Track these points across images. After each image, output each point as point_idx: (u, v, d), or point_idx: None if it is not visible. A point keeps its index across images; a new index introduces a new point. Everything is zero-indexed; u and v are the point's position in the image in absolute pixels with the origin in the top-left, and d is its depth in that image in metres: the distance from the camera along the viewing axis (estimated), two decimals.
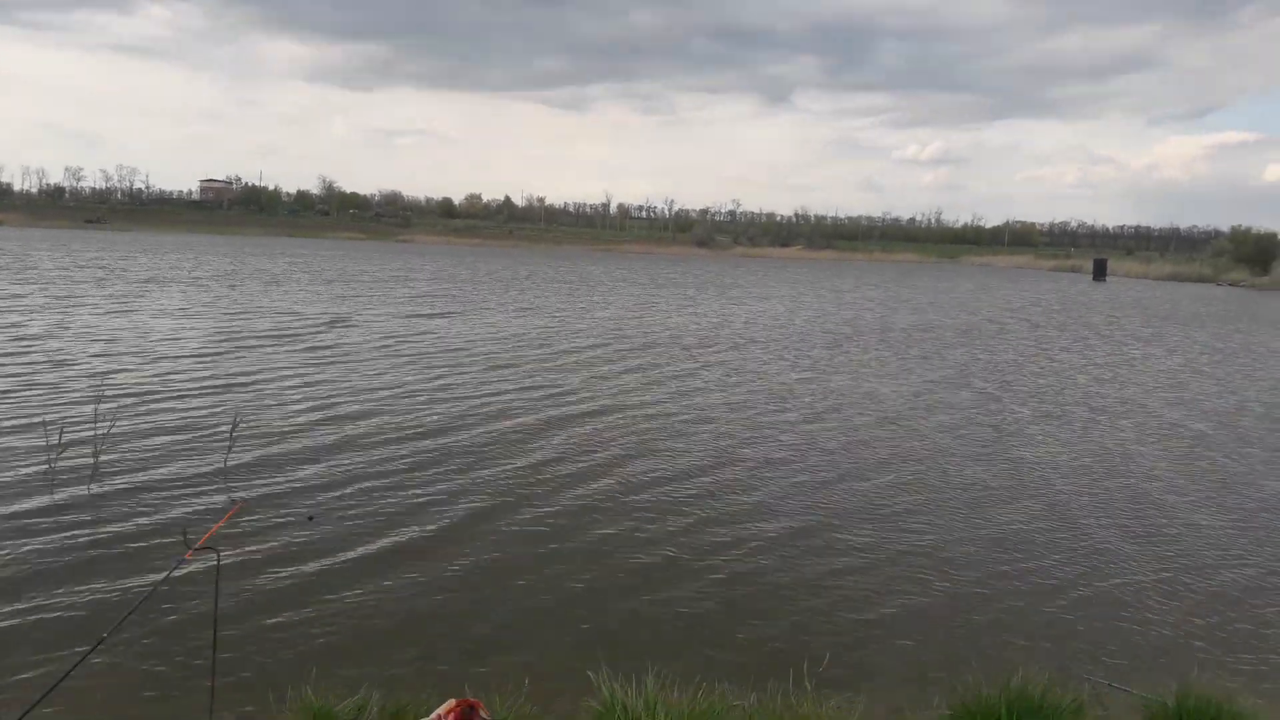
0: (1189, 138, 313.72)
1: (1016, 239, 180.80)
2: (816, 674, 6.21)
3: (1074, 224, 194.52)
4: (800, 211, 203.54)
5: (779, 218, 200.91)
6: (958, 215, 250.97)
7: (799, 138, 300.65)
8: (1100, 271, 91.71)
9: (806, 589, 7.98)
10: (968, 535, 9.55)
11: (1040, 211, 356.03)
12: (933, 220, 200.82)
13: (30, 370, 16.01)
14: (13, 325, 21.97)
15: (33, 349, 18.38)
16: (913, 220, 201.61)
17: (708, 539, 9.07)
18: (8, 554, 7.76)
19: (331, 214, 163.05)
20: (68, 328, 21.99)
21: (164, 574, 5.91)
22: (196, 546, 6.04)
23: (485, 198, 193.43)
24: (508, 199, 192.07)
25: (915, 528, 9.69)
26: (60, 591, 7.11)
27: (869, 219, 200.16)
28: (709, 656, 6.64)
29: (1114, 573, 8.69)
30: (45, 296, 29.60)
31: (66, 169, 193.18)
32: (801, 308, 40.08)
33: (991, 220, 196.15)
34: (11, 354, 17.66)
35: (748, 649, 6.86)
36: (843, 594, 7.90)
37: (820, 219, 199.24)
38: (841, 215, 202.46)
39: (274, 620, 6.83)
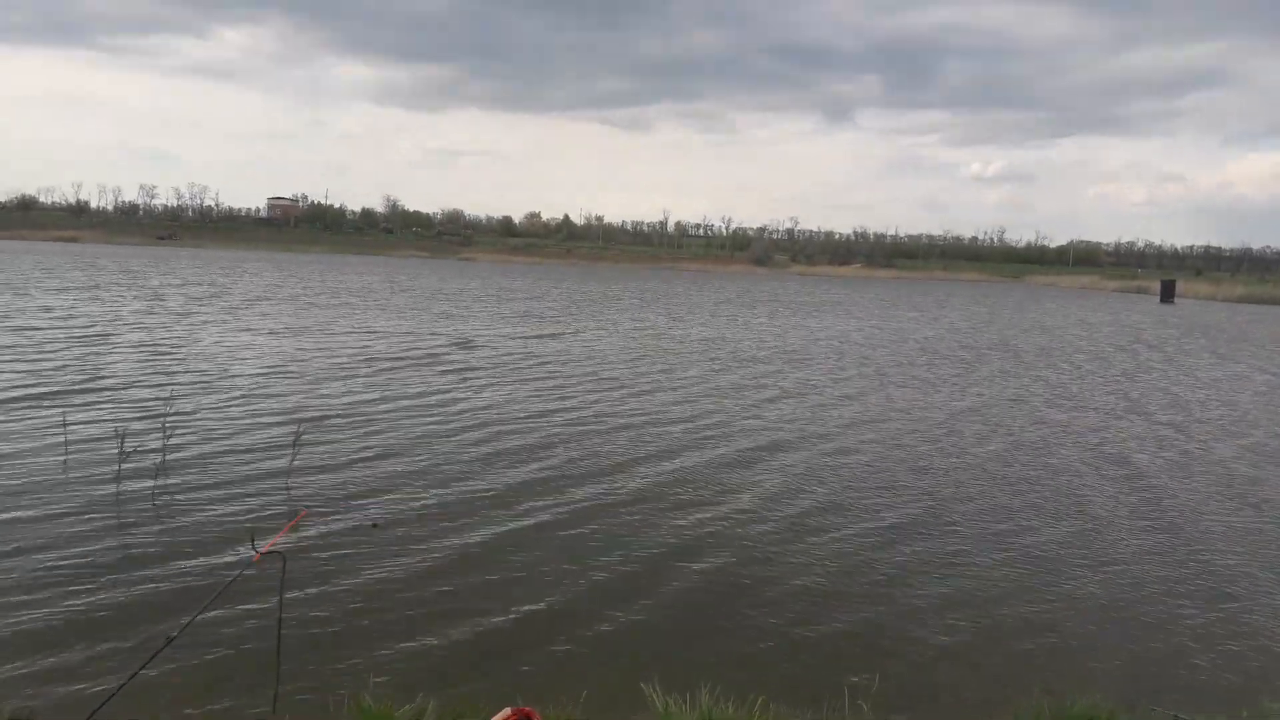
0: (1265, 155, 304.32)
1: (1081, 259, 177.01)
2: (871, 694, 6.15)
3: (1141, 244, 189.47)
4: (859, 230, 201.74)
5: (838, 236, 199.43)
6: (1021, 234, 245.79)
7: (859, 155, 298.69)
8: (1168, 293, 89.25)
9: (864, 607, 7.90)
10: (1034, 558, 9.36)
11: (1106, 231, 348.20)
12: (995, 239, 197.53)
13: (135, 371, 16.59)
14: (107, 335, 22.78)
15: (124, 357, 19.05)
16: (975, 239, 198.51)
17: (768, 554, 9.04)
18: (80, 553, 8.04)
19: (395, 232, 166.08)
20: (163, 339, 22.74)
21: (232, 576, 6.08)
22: (264, 550, 6.22)
23: (545, 216, 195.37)
24: (566, 218, 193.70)
25: (979, 548, 9.54)
26: (130, 591, 7.35)
27: (930, 237, 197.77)
28: (763, 673, 6.61)
29: (1183, 601, 8.45)
30: (139, 309, 30.66)
31: (141, 187, 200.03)
32: (911, 326, 39.72)
33: (1056, 239, 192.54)
34: (113, 360, 18.33)
35: (803, 666, 6.81)
36: (901, 614, 7.81)
37: (880, 237, 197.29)
38: (901, 234, 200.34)
39: (336, 625, 6.98)
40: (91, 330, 24.16)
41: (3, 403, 14.01)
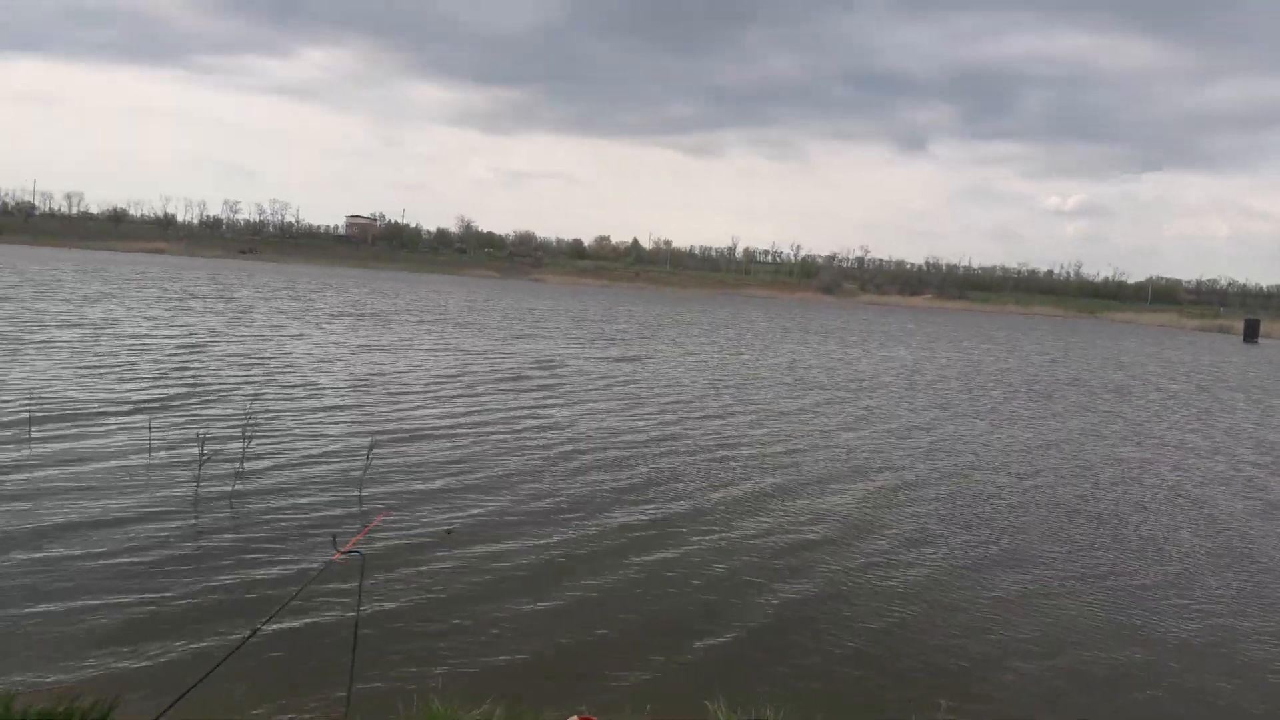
0: None
1: (1160, 296, 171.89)
2: (936, 718, 6.10)
3: (1223, 282, 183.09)
4: (931, 259, 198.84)
5: (909, 265, 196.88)
6: (1098, 269, 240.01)
7: (932, 185, 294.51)
8: (1252, 333, 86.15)
9: (936, 638, 7.81)
10: (1118, 598, 9.15)
11: (1187, 268, 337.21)
12: (1071, 273, 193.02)
13: (225, 379, 17.23)
14: (203, 345, 23.68)
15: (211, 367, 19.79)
16: (1050, 273, 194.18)
17: (841, 582, 9.00)
18: (163, 550, 8.37)
19: (468, 252, 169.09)
20: (265, 349, 23.56)
21: (315, 573, 6.31)
22: (344, 550, 6.43)
23: (614, 239, 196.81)
24: (635, 241, 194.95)
25: (1058, 584, 9.36)
26: (210, 588, 7.62)
27: (1004, 269, 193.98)
28: (830, 698, 6.59)
29: (1261, 633, 8.19)
30: (230, 320, 31.79)
31: (224, 202, 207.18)
32: (986, 359, 39.17)
33: (1134, 275, 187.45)
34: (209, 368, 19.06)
35: (870, 694, 6.77)
36: (974, 647, 7.70)
37: (952, 268, 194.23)
38: (974, 265, 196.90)
39: (408, 626, 7.15)
40: (188, 339, 25.09)
41: (99, 406, 14.63)
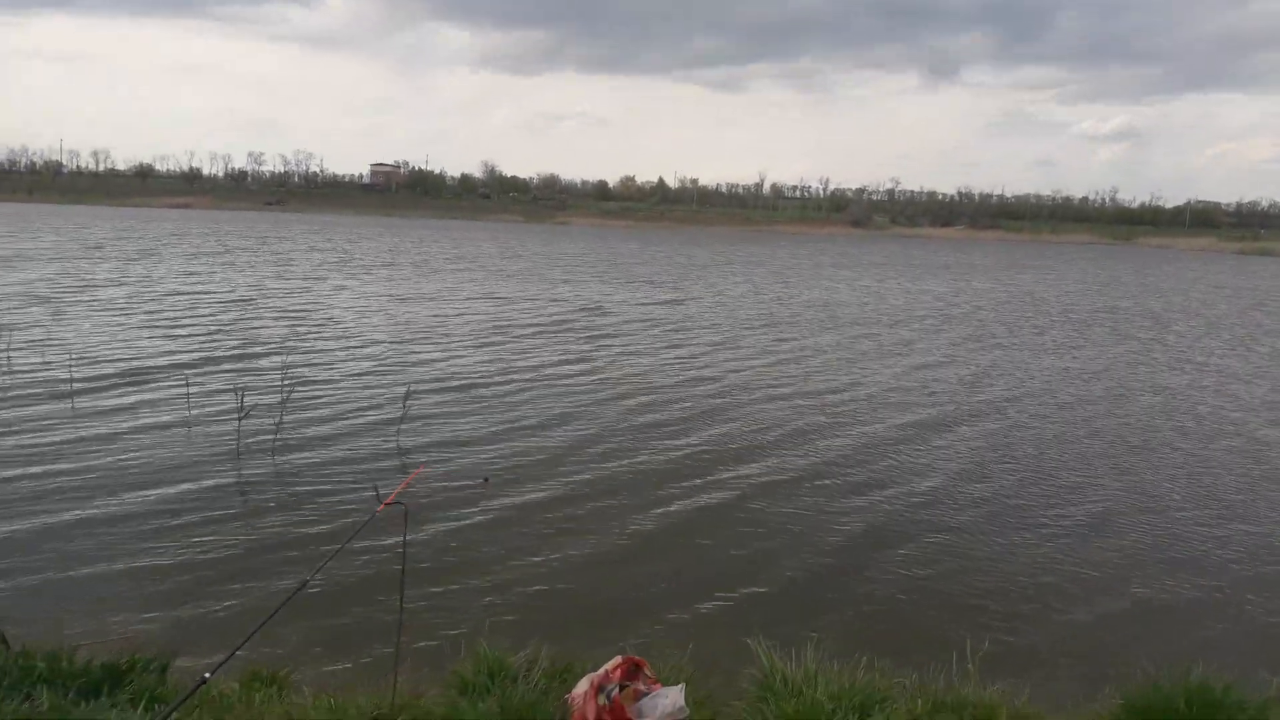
0: None
1: (1198, 219, 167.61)
2: (980, 656, 6.12)
3: (1265, 203, 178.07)
4: (964, 190, 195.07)
5: (940, 196, 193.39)
6: (1134, 194, 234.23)
7: (965, 114, 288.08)
8: None
9: (978, 576, 7.82)
10: (1150, 527, 9.11)
11: (1227, 191, 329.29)
12: (1107, 199, 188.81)
13: (277, 334, 17.43)
14: (248, 300, 23.93)
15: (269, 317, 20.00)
16: (1085, 199, 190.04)
17: (885, 515, 9.03)
18: (210, 504, 8.54)
19: (492, 197, 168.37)
20: (268, 299, 23.77)
21: (358, 527, 6.39)
22: (387, 502, 6.50)
23: (639, 179, 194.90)
24: (661, 180, 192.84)
25: (1096, 515, 9.32)
26: (259, 539, 7.78)
27: (1038, 197, 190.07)
28: (872, 636, 6.63)
29: None
30: (270, 274, 32.05)
31: (249, 154, 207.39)
32: (1038, 289, 38.69)
33: (1172, 200, 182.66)
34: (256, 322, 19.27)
35: (909, 626, 6.82)
36: (1015, 583, 7.70)
37: (985, 197, 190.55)
38: (1008, 194, 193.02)
39: (451, 574, 7.26)
40: (231, 295, 25.30)
41: (151, 364, 14.85)
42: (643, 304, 27.93)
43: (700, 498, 9.36)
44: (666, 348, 18.84)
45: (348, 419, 11.81)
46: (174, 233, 59.87)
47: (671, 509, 8.99)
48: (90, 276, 28.41)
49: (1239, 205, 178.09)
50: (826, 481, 10.11)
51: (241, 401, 11.01)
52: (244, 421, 10.74)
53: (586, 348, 18.48)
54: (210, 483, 9.10)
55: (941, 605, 7.20)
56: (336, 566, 6.96)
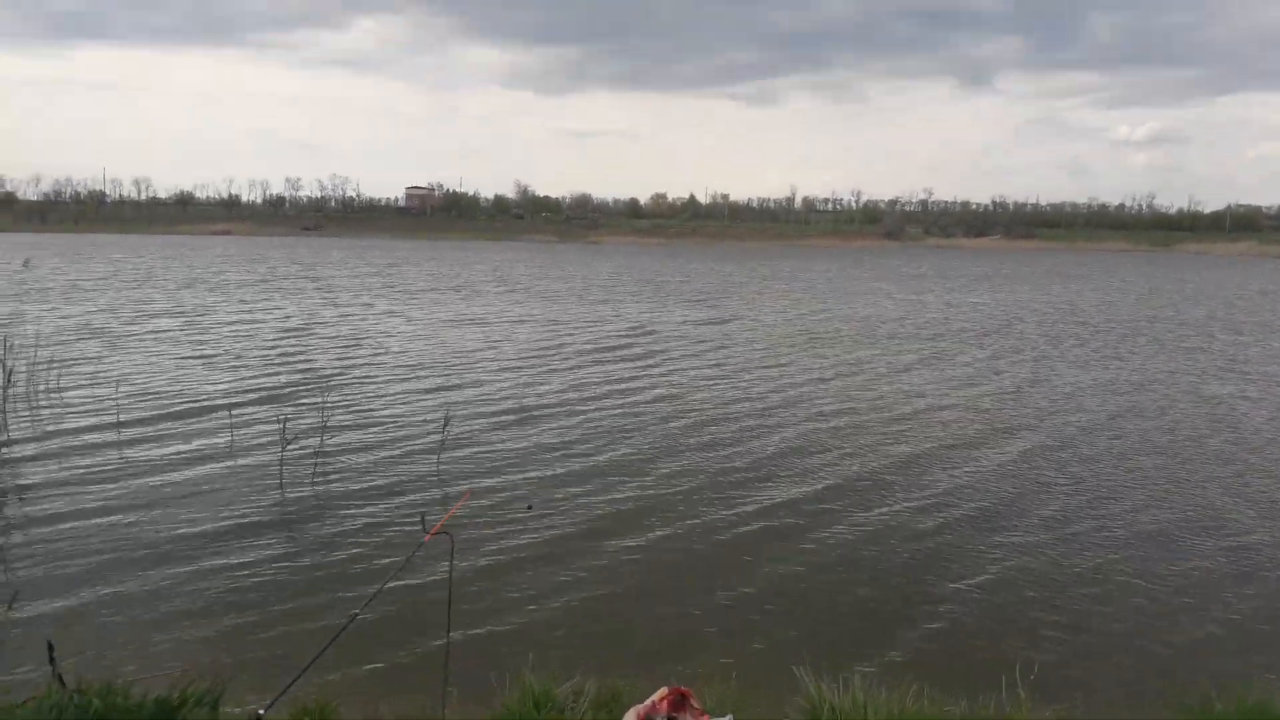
0: None
1: (1239, 224, 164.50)
2: (1029, 681, 6.03)
3: None
4: (998, 199, 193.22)
5: (974, 206, 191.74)
6: (1172, 200, 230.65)
7: (998, 122, 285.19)
8: None
9: (1022, 593, 7.72)
10: (1208, 544, 8.93)
11: (1268, 194, 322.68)
12: (1144, 206, 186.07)
13: (332, 361, 17.69)
14: (306, 328, 24.30)
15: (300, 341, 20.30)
16: (1121, 206, 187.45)
17: (927, 540, 8.93)
18: (257, 537, 8.64)
19: (525, 217, 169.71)
20: (318, 324, 24.11)
21: (404, 560, 6.44)
22: (434, 531, 6.56)
23: (670, 196, 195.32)
24: (692, 197, 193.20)
25: (1151, 533, 9.16)
26: (306, 572, 7.86)
27: (1073, 205, 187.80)
28: (918, 658, 6.57)
29: None
30: (321, 301, 32.54)
31: (286, 180, 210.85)
32: (1081, 299, 38.30)
33: (1211, 205, 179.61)
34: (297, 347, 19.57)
35: (959, 652, 6.73)
36: (1061, 600, 7.59)
37: (1019, 206, 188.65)
38: (1043, 202, 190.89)
39: (498, 603, 7.29)
40: (285, 323, 25.62)
41: (214, 398, 15.10)
42: (683, 323, 27.95)
43: (745, 524, 9.32)
44: (710, 367, 18.83)
45: (392, 446, 11.92)
46: (220, 259, 60.95)
47: (717, 536, 8.96)
48: (142, 307, 29.00)
49: None
50: (873, 506, 10.02)
51: (284, 430, 11.15)
52: (289, 450, 10.89)
53: (630, 369, 18.52)
54: (257, 515, 9.22)
55: (991, 629, 7.10)
56: (383, 597, 7.00)
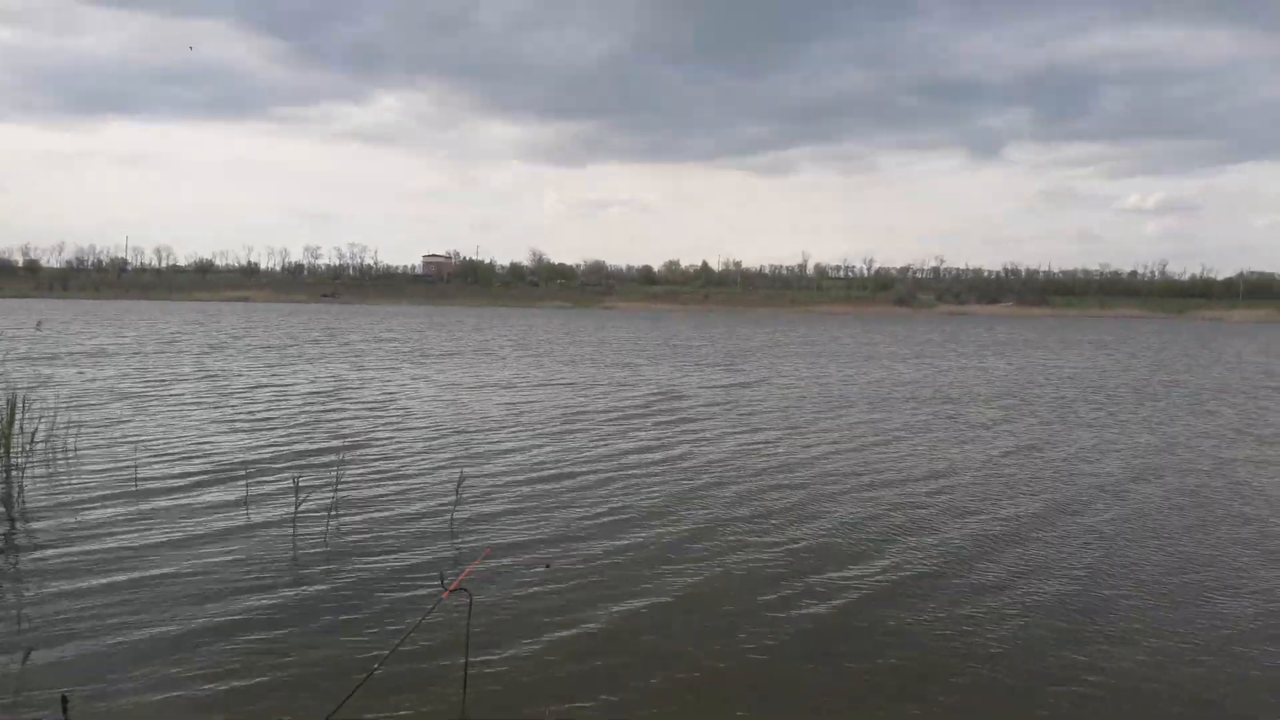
0: None
1: (1254, 291, 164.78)
2: None
3: None
4: (1010, 266, 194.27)
5: (986, 274, 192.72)
6: (1184, 267, 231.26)
7: (1008, 191, 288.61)
8: None
9: (1046, 661, 7.50)
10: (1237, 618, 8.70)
11: None
12: (1156, 273, 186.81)
13: (356, 425, 17.72)
14: (334, 392, 24.41)
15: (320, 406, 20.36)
16: (1134, 273, 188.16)
17: (945, 599, 8.72)
18: (271, 595, 8.53)
19: (540, 284, 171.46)
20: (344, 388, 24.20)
21: (422, 616, 6.35)
22: (452, 588, 6.48)
23: (684, 263, 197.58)
24: (705, 264, 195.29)
25: (1171, 593, 8.94)
26: (321, 629, 7.72)
27: (1085, 272, 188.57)
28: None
29: None
30: (348, 366, 32.71)
31: (305, 248, 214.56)
32: (1109, 364, 38.16)
33: (1224, 271, 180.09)
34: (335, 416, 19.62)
35: (985, 715, 6.53)
36: (1095, 659, 7.37)
37: (1032, 273, 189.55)
38: (1055, 270, 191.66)
39: (516, 662, 7.11)
40: (307, 388, 25.49)
41: (223, 458, 15.13)
42: (707, 387, 27.92)
43: (769, 584, 9.09)
44: (741, 432, 18.57)
45: (411, 504, 11.80)
46: (242, 325, 61.58)
47: (741, 596, 8.74)
48: (168, 370, 29.20)
49: None
50: (896, 564, 9.80)
51: (297, 487, 11.11)
52: (304, 507, 10.83)
53: (654, 433, 18.32)
54: (273, 572, 9.09)
55: (1017, 689, 6.88)
56: (398, 655, 6.87)
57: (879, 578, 9.31)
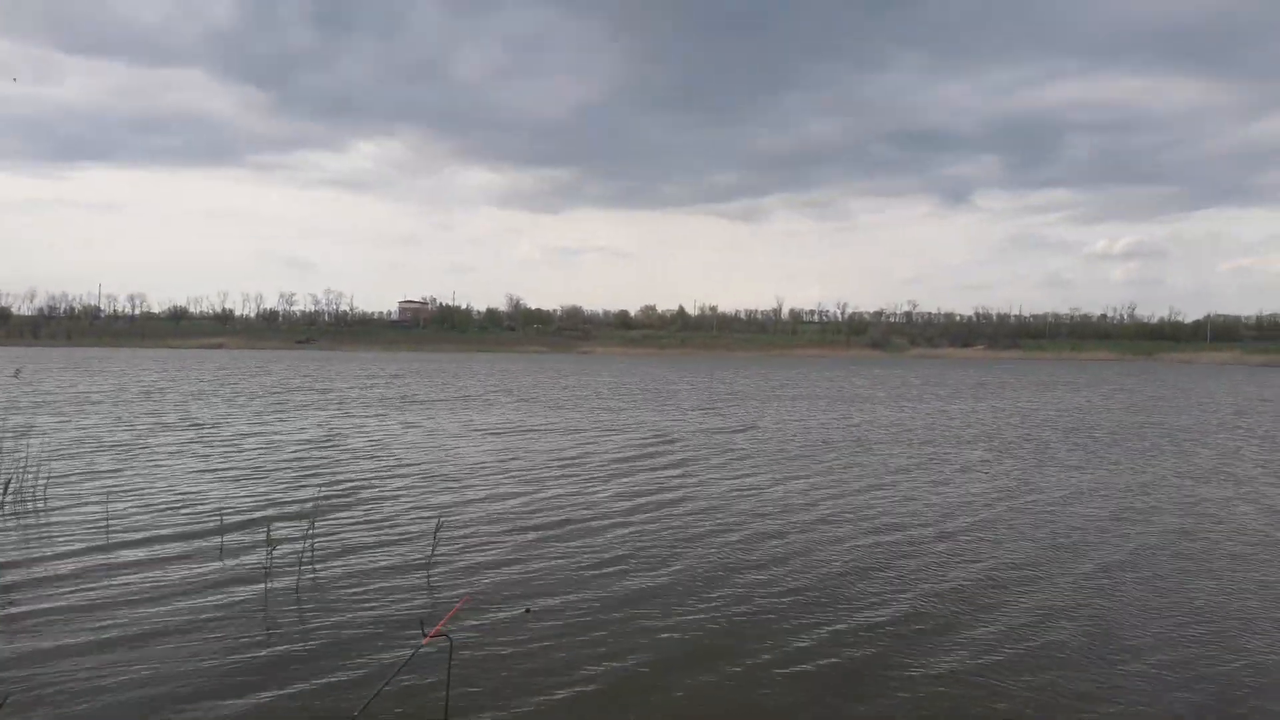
0: None
1: (1220, 334, 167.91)
2: None
3: None
4: (981, 310, 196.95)
5: (958, 318, 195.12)
6: (1153, 310, 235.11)
7: (978, 237, 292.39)
8: None
9: (1054, 702, 7.45)
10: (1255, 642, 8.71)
11: (1246, 304, 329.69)
12: (1125, 316, 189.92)
13: (347, 469, 17.47)
14: (329, 439, 24.12)
15: (300, 455, 20.10)
16: (1104, 317, 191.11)
17: (936, 645, 8.66)
18: (248, 644, 8.33)
19: (517, 329, 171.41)
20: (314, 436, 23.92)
21: (403, 662, 6.21)
22: (433, 634, 6.37)
23: (660, 308, 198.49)
24: (681, 309, 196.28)
25: (1164, 636, 8.94)
26: (303, 673, 7.53)
27: (1055, 316, 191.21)
28: None
29: None
30: (335, 413, 32.35)
31: (280, 294, 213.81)
32: (1088, 404, 38.45)
33: (1191, 314, 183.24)
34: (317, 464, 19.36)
35: None
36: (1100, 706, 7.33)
37: (1003, 317, 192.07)
38: (1025, 313, 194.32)
39: (496, 708, 6.97)
40: (301, 436, 25.19)
41: (203, 506, 14.88)
42: (691, 431, 27.88)
43: (755, 629, 8.97)
44: (727, 478, 18.40)
45: (391, 553, 11.62)
46: (220, 373, 60.94)
47: (726, 641, 8.63)
48: (149, 419, 28.74)
49: (1259, 318, 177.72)
50: (885, 600, 9.75)
51: (270, 538, 10.91)
52: (279, 553, 10.63)
53: (640, 478, 18.20)
54: (246, 617, 8.91)
55: None
56: (378, 701, 6.70)
57: (871, 627, 9.19)
